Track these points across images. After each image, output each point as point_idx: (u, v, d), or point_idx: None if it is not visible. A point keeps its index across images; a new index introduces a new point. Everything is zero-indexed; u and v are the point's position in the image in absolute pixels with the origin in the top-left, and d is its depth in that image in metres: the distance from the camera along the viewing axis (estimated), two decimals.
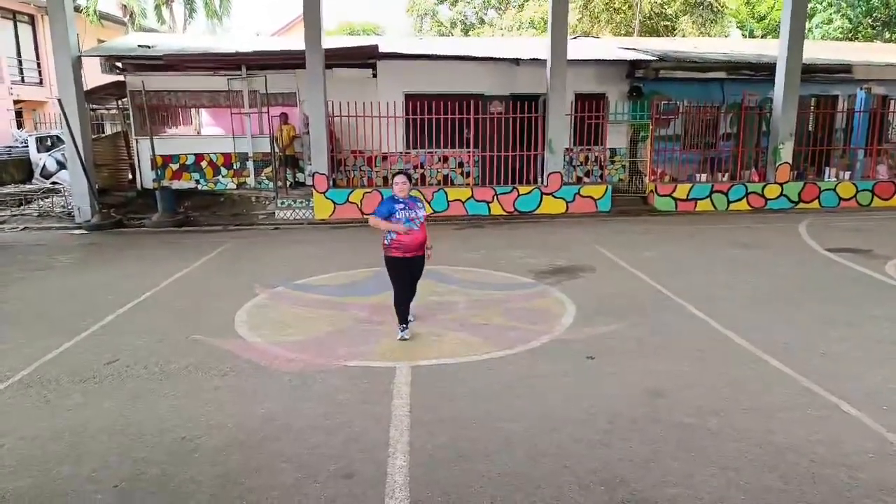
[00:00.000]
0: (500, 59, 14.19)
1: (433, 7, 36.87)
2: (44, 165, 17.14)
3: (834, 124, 14.97)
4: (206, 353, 5.17)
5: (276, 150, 13.23)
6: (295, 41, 15.20)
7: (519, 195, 12.63)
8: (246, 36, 25.32)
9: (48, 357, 5.14)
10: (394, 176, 5.49)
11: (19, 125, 22.57)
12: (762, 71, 14.64)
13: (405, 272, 5.44)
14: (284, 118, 13.44)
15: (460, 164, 14.28)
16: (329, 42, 13.21)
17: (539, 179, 13.01)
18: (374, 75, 14.00)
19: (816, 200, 13.18)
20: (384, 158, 13.60)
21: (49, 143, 17.85)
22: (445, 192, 12.51)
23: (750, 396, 4.26)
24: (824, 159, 14.18)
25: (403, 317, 5.49)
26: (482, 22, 36.53)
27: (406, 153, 14.12)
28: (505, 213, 12.60)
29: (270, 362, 4.99)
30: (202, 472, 3.42)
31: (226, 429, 3.90)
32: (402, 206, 5.38)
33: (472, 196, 12.55)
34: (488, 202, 12.59)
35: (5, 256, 9.39)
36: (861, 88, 14.50)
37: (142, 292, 7.06)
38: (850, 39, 26.19)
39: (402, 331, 5.46)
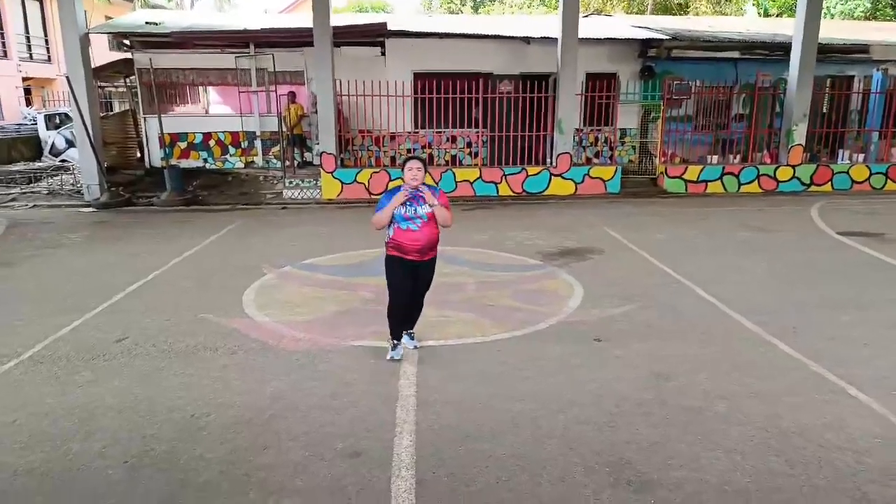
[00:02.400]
0: (510, 38, 14.00)
1: None
2: (53, 143, 17.18)
3: (849, 106, 14.72)
4: (214, 332, 5.20)
5: (284, 129, 13.18)
6: (303, 18, 15.07)
7: (528, 176, 12.55)
8: (254, 13, 25.12)
9: (58, 334, 5.18)
10: (404, 162, 4.43)
11: (28, 102, 22.61)
12: (777, 51, 14.40)
13: (402, 276, 4.51)
14: (292, 97, 13.37)
15: (469, 144, 14.19)
16: (337, 19, 13.07)
17: (548, 160, 12.91)
18: (383, 54, 13.87)
19: (829, 183, 13.00)
20: (392, 138, 13.54)
21: (57, 120, 17.89)
22: (453, 173, 12.44)
23: (758, 380, 4.24)
24: (838, 141, 13.98)
25: (395, 330, 4.66)
26: None
27: (414, 133, 14.04)
28: (513, 194, 12.53)
29: (278, 341, 5.01)
30: (210, 449, 3.46)
31: (234, 407, 3.93)
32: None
33: (481, 177, 12.47)
34: (497, 183, 12.52)
35: (15, 234, 9.45)
36: (878, 69, 14.23)
37: (150, 271, 7.09)
38: (869, 19, 25.66)
39: (392, 348, 4.64)
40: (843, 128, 14.29)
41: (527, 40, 13.94)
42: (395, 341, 4.67)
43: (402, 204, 4.38)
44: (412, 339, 4.83)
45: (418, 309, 4.82)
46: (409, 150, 13.88)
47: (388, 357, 4.58)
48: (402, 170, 4.41)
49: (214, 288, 6.50)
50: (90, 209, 11.49)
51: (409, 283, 4.53)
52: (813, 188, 12.96)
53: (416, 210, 4.44)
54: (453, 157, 14.14)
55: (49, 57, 24.04)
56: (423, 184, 4.38)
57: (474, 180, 12.46)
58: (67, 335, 5.19)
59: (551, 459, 3.33)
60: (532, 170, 12.55)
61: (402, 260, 4.49)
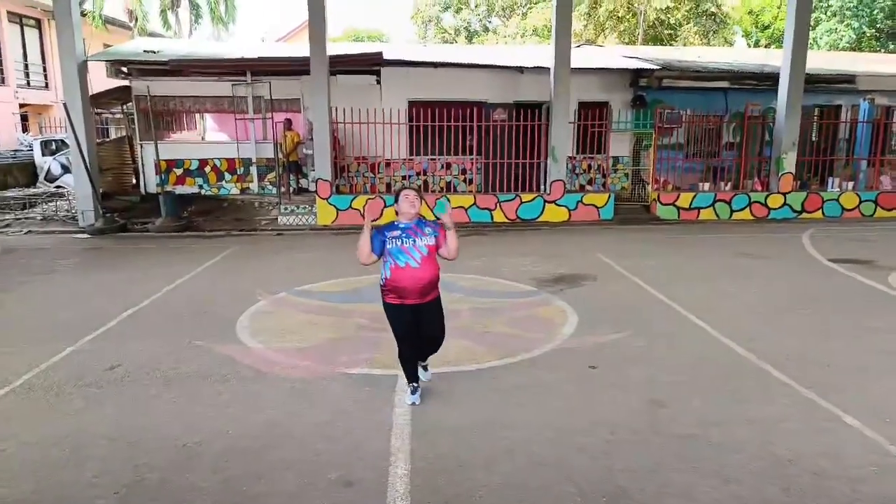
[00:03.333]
0: (503, 67, 14.24)
1: (437, 14, 37.05)
2: (48, 169, 17.22)
3: (837, 134, 14.98)
4: (208, 359, 5.17)
5: (280, 155, 13.28)
6: (300, 48, 15.27)
7: (522, 203, 12.65)
8: (251, 42, 25.45)
9: (50, 361, 5.15)
10: (397, 193, 4.12)
11: (24, 129, 22.69)
12: (765, 81, 14.68)
13: (407, 324, 4.10)
14: (288, 124, 13.49)
15: (463, 171, 14.31)
16: (334, 48, 13.27)
17: (542, 187, 13.02)
18: (378, 82, 14.05)
19: (819, 210, 13.17)
20: (387, 165, 13.65)
21: (54, 146, 17.95)
22: (448, 199, 12.48)
23: (752, 407, 4.25)
24: (827, 169, 14.18)
25: (411, 374, 4.29)
26: (486, 29, 36.72)
27: (409, 160, 14.16)
28: (507, 221, 12.61)
29: (272, 369, 4.99)
30: (203, 478, 3.42)
31: (227, 435, 3.90)
32: (398, 232, 4.05)
33: (475, 203, 12.57)
34: (491, 209, 12.61)
35: (8, 260, 9.42)
36: (864, 99, 14.52)
37: (144, 297, 7.07)
38: (854, 50, 26.24)
39: (411, 392, 4.27)
40: (832, 156, 14.51)
41: (520, 69, 14.17)
42: (414, 384, 4.30)
43: (397, 237, 4.00)
44: (426, 370, 4.52)
45: (434, 348, 4.38)
46: (403, 177, 13.99)
47: (409, 402, 4.24)
48: (396, 201, 4.11)
49: (208, 314, 6.48)
50: (85, 235, 11.47)
51: (414, 329, 4.13)
52: (804, 215, 13.11)
53: (414, 242, 3.99)
54: (448, 183, 14.25)
55: (46, 83, 24.20)
56: (422, 218, 4.13)
57: (469, 207, 12.55)
58: (59, 362, 5.15)
59: (546, 487, 3.31)
60: (526, 197, 12.65)
61: (403, 307, 4.06)
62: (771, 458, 3.58)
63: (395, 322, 4.14)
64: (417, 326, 4.13)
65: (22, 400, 4.46)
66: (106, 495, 3.28)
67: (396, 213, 4.14)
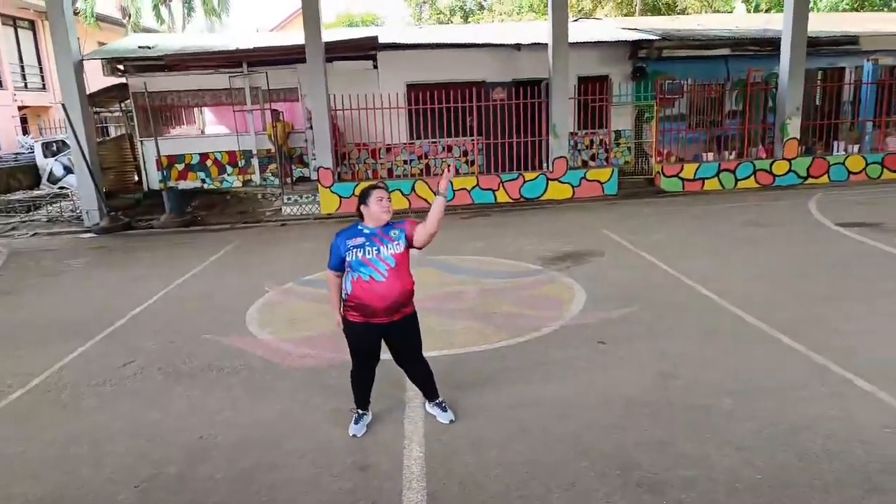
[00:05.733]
0: (500, 45, 14.09)
1: None
2: (51, 171, 17.25)
3: (841, 97, 14.77)
4: (219, 352, 5.21)
5: (272, 147, 13.25)
6: (294, 36, 15.15)
7: (525, 181, 12.58)
8: (245, 32, 25.27)
9: (64, 361, 5.19)
10: (364, 194, 3.51)
11: (24, 131, 22.70)
12: (767, 46, 14.45)
13: (368, 345, 3.60)
14: (276, 115, 13.38)
15: (465, 153, 14.24)
16: (329, 35, 13.16)
17: (544, 165, 12.95)
18: (375, 67, 13.94)
19: (825, 175, 13.03)
20: (388, 150, 13.59)
21: (55, 148, 17.95)
22: (451, 182, 12.43)
23: (763, 375, 4.25)
24: (832, 133, 14.01)
25: (359, 398, 3.76)
26: (481, 8, 36.28)
27: (410, 144, 14.09)
28: (511, 201, 12.56)
29: (282, 359, 5.02)
30: (220, 469, 3.46)
31: (241, 426, 3.94)
32: (361, 239, 3.44)
33: (478, 184, 12.52)
34: (494, 190, 12.55)
35: (16, 263, 9.48)
36: (868, 60, 14.29)
37: (152, 294, 7.11)
38: (857, 10, 25.79)
39: (354, 421, 3.71)
40: (837, 119, 14.33)
41: (518, 47, 14.01)
42: (360, 411, 3.74)
43: (359, 246, 3.40)
44: (444, 410, 3.81)
45: (421, 377, 3.81)
46: (405, 162, 13.94)
47: (351, 433, 3.66)
48: (365, 203, 3.48)
49: (217, 308, 6.51)
50: (90, 235, 11.52)
51: (376, 352, 3.63)
52: (810, 181, 12.98)
53: (379, 252, 3.39)
54: (449, 166, 14.17)
55: (44, 85, 24.16)
56: (391, 223, 3.52)
57: (472, 188, 12.49)
58: (72, 362, 5.20)
59: (561, 464, 3.33)
60: (529, 175, 12.59)
61: (367, 326, 3.48)
62: (784, 425, 3.58)
63: (352, 341, 3.62)
64: (380, 348, 3.65)
65: (38, 400, 4.50)
66: (125, 490, 3.32)
67: (361, 217, 3.54)
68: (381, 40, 13.38)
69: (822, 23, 15.90)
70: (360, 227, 3.51)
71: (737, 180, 12.93)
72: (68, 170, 16.38)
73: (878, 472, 3.10)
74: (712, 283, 6.36)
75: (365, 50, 13.62)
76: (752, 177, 12.94)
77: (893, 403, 3.76)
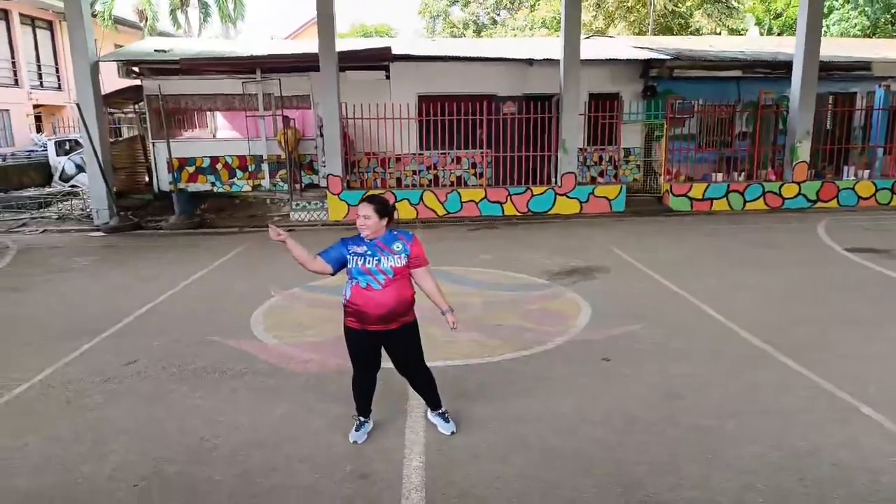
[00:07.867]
0: (512, 60, 14.17)
1: (445, 8, 36.96)
2: (63, 169, 17.40)
3: (852, 122, 14.76)
4: (224, 355, 5.22)
5: (282, 153, 13.32)
6: (308, 44, 15.30)
7: (532, 196, 12.60)
8: (260, 39, 25.52)
9: (69, 358, 5.21)
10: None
11: (38, 129, 22.94)
12: (779, 69, 14.49)
13: (365, 352, 3.63)
14: (286, 122, 13.46)
15: (473, 165, 14.29)
16: (342, 44, 13.28)
17: (553, 180, 12.97)
18: (388, 77, 14.04)
19: (835, 199, 12.99)
20: (398, 160, 13.65)
21: (67, 146, 18.13)
22: (459, 193, 12.51)
23: (768, 399, 4.22)
24: (843, 158, 13.99)
25: (361, 406, 3.78)
26: (494, 23, 36.57)
27: (419, 154, 14.16)
28: (518, 214, 12.57)
29: (287, 363, 5.02)
30: (220, 471, 3.46)
31: (243, 429, 3.94)
32: (364, 248, 3.48)
33: (486, 197, 12.54)
34: (502, 203, 12.57)
35: (25, 259, 9.54)
36: (880, 86, 14.29)
37: (159, 294, 7.14)
38: (869, 36, 25.84)
39: (354, 427, 3.74)
40: (847, 144, 14.31)
41: (530, 62, 14.09)
42: (361, 418, 3.77)
43: (361, 254, 3.46)
44: (447, 420, 3.82)
45: (423, 387, 3.82)
46: (414, 172, 14.00)
47: (351, 440, 3.70)
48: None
49: (223, 310, 6.53)
50: (99, 234, 11.59)
51: (375, 360, 3.66)
52: (819, 205, 12.94)
53: (379, 262, 3.43)
54: (458, 177, 14.24)
55: (59, 84, 24.44)
56: (392, 230, 3.53)
57: (480, 200, 12.52)
58: (78, 359, 5.22)
59: (562, 480, 3.31)
60: (537, 189, 12.61)
61: (365, 333, 3.52)
62: (788, 449, 3.55)
63: (351, 347, 3.64)
64: (379, 356, 3.68)
65: (42, 395, 4.52)
66: (125, 488, 3.32)
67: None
68: (394, 51, 13.49)
69: (834, 48, 15.93)
70: (362, 236, 3.53)
71: (745, 202, 12.91)
72: (80, 168, 16.52)
73: (883, 502, 3.07)
74: (719, 303, 6.33)
75: (378, 60, 13.73)
76: (761, 199, 12.91)
77: None
